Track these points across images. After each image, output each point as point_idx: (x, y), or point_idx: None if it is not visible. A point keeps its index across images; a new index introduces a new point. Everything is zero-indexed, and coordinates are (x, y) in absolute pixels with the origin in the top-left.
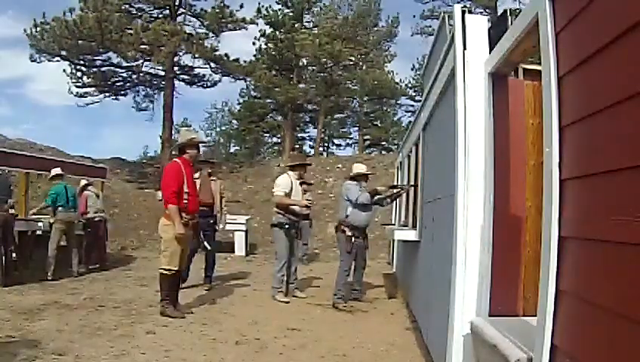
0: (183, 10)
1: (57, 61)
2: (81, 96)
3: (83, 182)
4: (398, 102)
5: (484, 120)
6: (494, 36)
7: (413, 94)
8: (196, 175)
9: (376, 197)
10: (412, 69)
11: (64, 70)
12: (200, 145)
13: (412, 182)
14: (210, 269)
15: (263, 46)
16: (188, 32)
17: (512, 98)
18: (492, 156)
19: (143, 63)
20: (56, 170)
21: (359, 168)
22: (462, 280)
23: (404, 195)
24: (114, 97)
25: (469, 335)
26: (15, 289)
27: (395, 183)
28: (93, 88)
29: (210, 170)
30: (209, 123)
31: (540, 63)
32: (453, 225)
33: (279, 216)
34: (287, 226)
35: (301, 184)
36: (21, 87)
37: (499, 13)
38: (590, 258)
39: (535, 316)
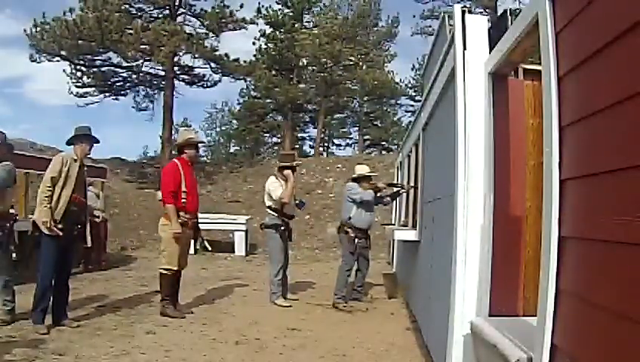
0: (183, 10)
1: (57, 61)
2: (81, 96)
3: None
4: (398, 102)
5: (484, 120)
6: (494, 36)
7: (413, 94)
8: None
9: (378, 195)
10: (412, 69)
11: (64, 70)
12: (199, 145)
13: (412, 183)
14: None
15: (263, 46)
16: (188, 32)
17: (512, 98)
18: (492, 156)
19: (143, 63)
20: None
21: (362, 169)
22: (462, 280)
23: (405, 195)
24: (114, 97)
25: (469, 335)
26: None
27: (394, 181)
28: (93, 88)
29: None
30: (209, 123)
31: (540, 63)
32: (453, 225)
33: (273, 216)
34: (282, 228)
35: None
36: (20, 87)
37: (499, 13)
38: (590, 258)
39: (535, 316)
